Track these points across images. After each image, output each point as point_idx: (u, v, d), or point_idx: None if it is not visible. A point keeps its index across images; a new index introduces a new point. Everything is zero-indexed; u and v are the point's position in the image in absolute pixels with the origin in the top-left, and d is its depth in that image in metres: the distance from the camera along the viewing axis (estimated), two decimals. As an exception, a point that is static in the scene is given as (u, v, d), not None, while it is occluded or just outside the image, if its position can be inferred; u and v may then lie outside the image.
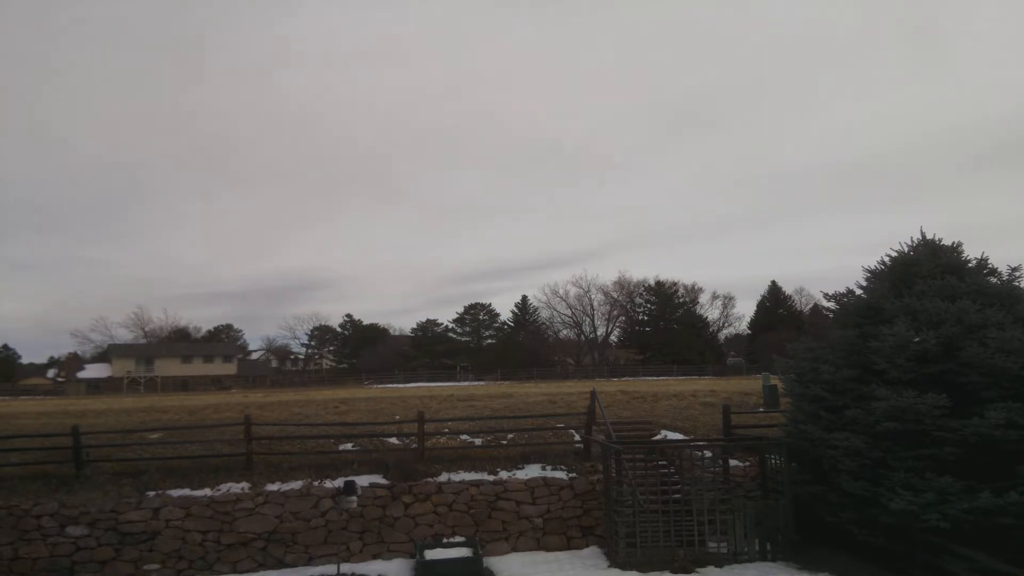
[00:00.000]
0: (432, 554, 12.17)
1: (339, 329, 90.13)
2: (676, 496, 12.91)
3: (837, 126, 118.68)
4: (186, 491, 13.13)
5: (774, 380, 18.11)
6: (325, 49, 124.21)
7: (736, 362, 71.77)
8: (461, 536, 13.37)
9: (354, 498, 12.71)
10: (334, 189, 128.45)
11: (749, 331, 75.35)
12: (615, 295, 77.81)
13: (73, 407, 25.24)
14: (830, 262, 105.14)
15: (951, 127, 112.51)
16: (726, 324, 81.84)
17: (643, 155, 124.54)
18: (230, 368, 75.39)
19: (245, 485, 13.44)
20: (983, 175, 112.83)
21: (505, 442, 16.05)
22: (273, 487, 13.40)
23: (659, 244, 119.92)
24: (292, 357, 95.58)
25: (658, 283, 76.26)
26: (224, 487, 13.32)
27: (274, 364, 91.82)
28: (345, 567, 12.50)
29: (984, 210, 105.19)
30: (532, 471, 14.46)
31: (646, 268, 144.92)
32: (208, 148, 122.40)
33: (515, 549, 13.63)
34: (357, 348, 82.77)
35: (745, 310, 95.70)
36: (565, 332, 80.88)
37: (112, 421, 18.58)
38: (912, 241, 13.04)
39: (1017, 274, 12.19)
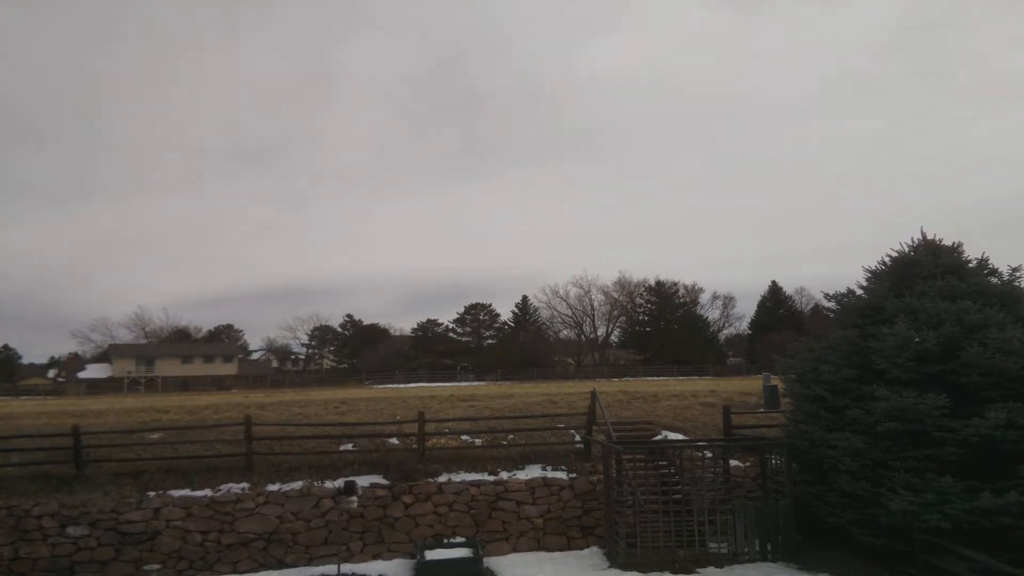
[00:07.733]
0: (432, 554, 12.18)
1: (339, 329, 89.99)
2: (676, 496, 12.91)
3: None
4: (186, 491, 13.15)
5: (774, 380, 18.08)
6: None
7: (736, 362, 71.71)
8: (461, 536, 13.39)
9: (354, 498, 12.75)
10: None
11: (749, 331, 75.28)
12: (615, 295, 77.82)
13: (73, 407, 25.19)
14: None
15: None
16: (726, 324, 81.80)
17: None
18: (230, 368, 75.32)
19: (245, 485, 13.45)
20: None
21: (505, 442, 16.03)
22: (273, 487, 13.41)
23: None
24: (292, 357, 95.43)
25: (658, 283, 76.16)
26: (224, 487, 13.34)
27: (274, 364, 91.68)
28: (345, 567, 12.50)
29: None
30: (532, 471, 14.47)
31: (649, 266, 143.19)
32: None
33: (515, 549, 13.64)
34: (357, 348, 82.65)
35: (745, 310, 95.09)
36: (565, 332, 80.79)
37: (112, 421, 18.55)
38: (912, 241, 13.05)
39: (1017, 274, 12.22)
